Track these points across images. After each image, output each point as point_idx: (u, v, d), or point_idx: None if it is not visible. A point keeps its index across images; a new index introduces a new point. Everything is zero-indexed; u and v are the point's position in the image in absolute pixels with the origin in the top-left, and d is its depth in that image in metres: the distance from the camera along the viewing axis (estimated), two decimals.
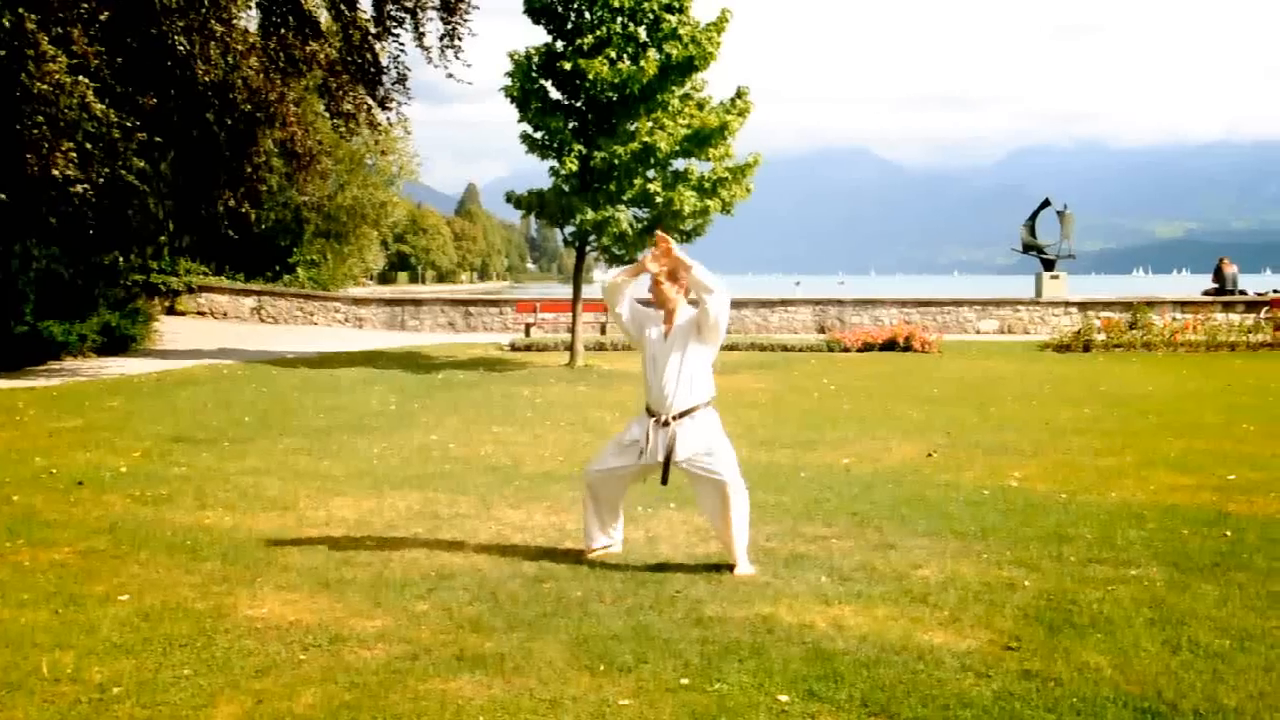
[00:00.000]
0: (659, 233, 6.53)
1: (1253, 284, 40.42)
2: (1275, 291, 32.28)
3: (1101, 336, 24.78)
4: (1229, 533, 7.22)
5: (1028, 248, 34.17)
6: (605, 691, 4.55)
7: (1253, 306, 29.19)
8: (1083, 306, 30.18)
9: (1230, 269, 32.39)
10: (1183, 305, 29.93)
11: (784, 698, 4.48)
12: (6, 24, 14.82)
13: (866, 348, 24.44)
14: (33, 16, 14.93)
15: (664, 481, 6.52)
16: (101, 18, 16.21)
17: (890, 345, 24.36)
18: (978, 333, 30.52)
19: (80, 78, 15.60)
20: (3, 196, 16.42)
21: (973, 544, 6.99)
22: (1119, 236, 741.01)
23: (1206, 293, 32.09)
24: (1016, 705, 4.40)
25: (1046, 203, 34.37)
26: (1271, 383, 17.15)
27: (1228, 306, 29.41)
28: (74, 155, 16.05)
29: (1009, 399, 15.09)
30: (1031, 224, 34.30)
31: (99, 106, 15.87)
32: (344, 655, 4.97)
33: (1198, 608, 5.65)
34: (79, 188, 16.40)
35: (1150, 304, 28.51)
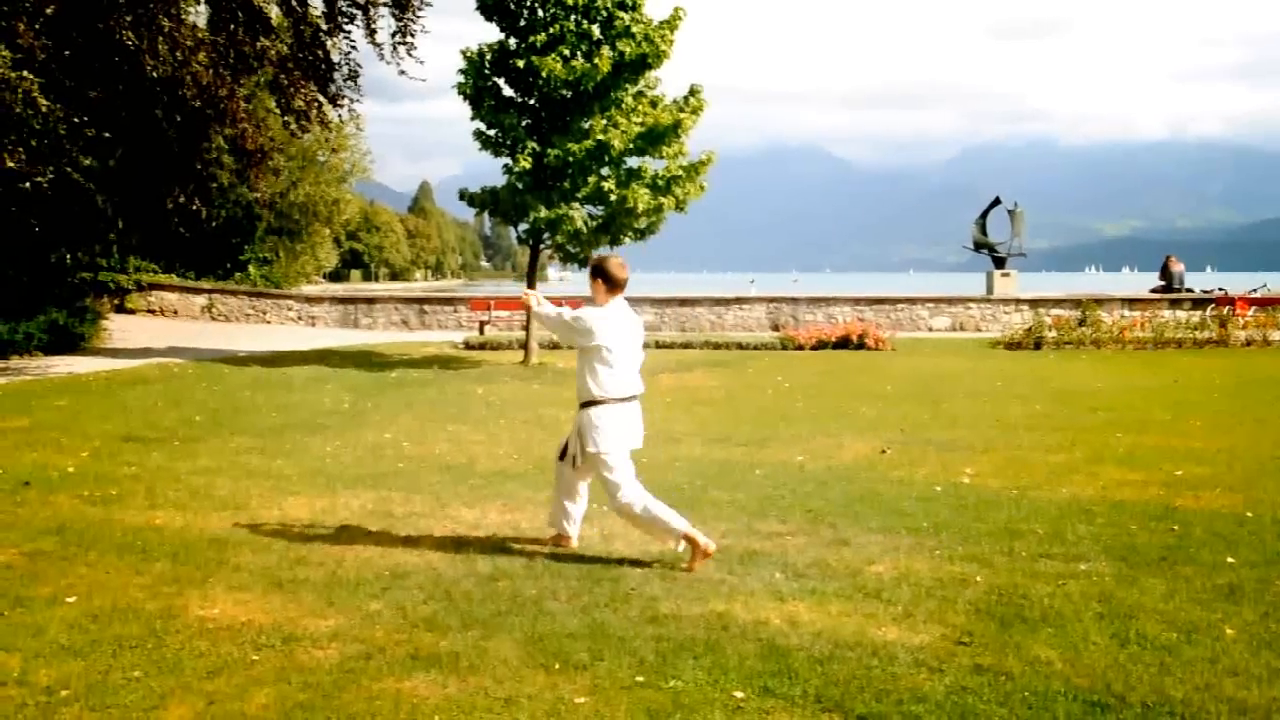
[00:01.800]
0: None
1: (1197, 282, 40.99)
2: (1221, 289, 32.76)
3: (1052, 334, 25.03)
4: (1176, 527, 7.33)
5: (979, 246, 34.44)
6: (560, 689, 4.55)
7: (1199, 304, 29.61)
8: (1033, 304, 30.49)
9: (1177, 267, 32.82)
10: (1131, 303, 30.33)
11: (739, 694, 4.50)
12: None
13: (820, 345, 24.56)
14: None
15: (560, 456, 6.88)
16: (48, 11, 15.97)
17: (844, 343, 24.49)
18: (930, 330, 30.77)
19: (25, 72, 15.36)
20: None
21: (925, 540, 7.05)
22: (1068, 234, 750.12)
23: (1154, 290, 32.51)
24: (969, 700, 4.44)
25: (997, 201, 34.65)
26: (1217, 379, 17.41)
27: (1175, 304, 29.83)
28: (20, 151, 15.80)
29: (961, 396, 15.22)
30: (982, 222, 34.57)
31: (45, 101, 15.64)
32: (297, 655, 4.94)
33: (1145, 601, 5.73)
34: (26, 184, 16.16)
35: (1099, 301, 28.86)
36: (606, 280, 6.59)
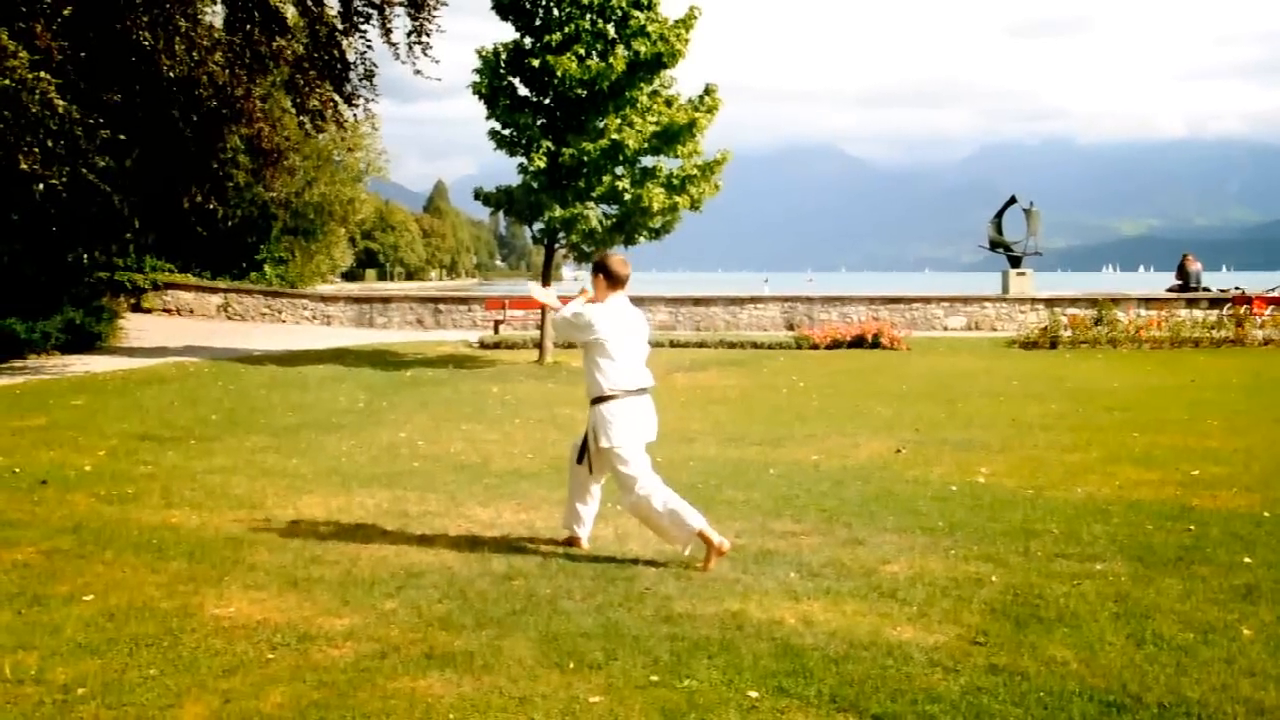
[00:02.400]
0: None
1: (1214, 281, 40.76)
2: (1238, 289, 32.57)
3: (1068, 333, 24.93)
4: (1192, 527, 7.29)
5: (994, 245, 34.32)
6: (575, 689, 4.55)
7: (1216, 303, 29.44)
8: (1049, 303, 30.35)
9: (1194, 266, 32.64)
10: (1147, 302, 30.17)
11: (753, 694, 4.49)
12: None
13: (835, 345, 24.52)
14: None
15: (578, 459, 6.88)
16: (65, 12, 16.04)
17: (859, 342, 24.44)
18: (946, 329, 30.68)
19: (42, 73, 15.43)
20: None
21: (941, 539, 7.04)
22: (1084, 234, 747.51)
23: (1171, 290, 32.35)
24: (984, 699, 4.43)
25: (1013, 200, 34.51)
26: (1234, 378, 17.34)
27: (1191, 303, 29.65)
28: (37, 152, 15.87)
29: (977, 395, 15.19)
30: (998, 221, 34.44)
31: (61, 103, 15.70)
32: (312, 654, 4.95)
33: (1162, 602, 5.71)
34: (41, 185, 16.23)
35: (1116, 301, 28.71)
36: (608, 276, 6.68)
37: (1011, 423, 12.47)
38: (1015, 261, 33.25)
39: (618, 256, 6.80)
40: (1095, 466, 9.68)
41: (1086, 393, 15.47)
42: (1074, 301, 30.08)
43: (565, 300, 6.94)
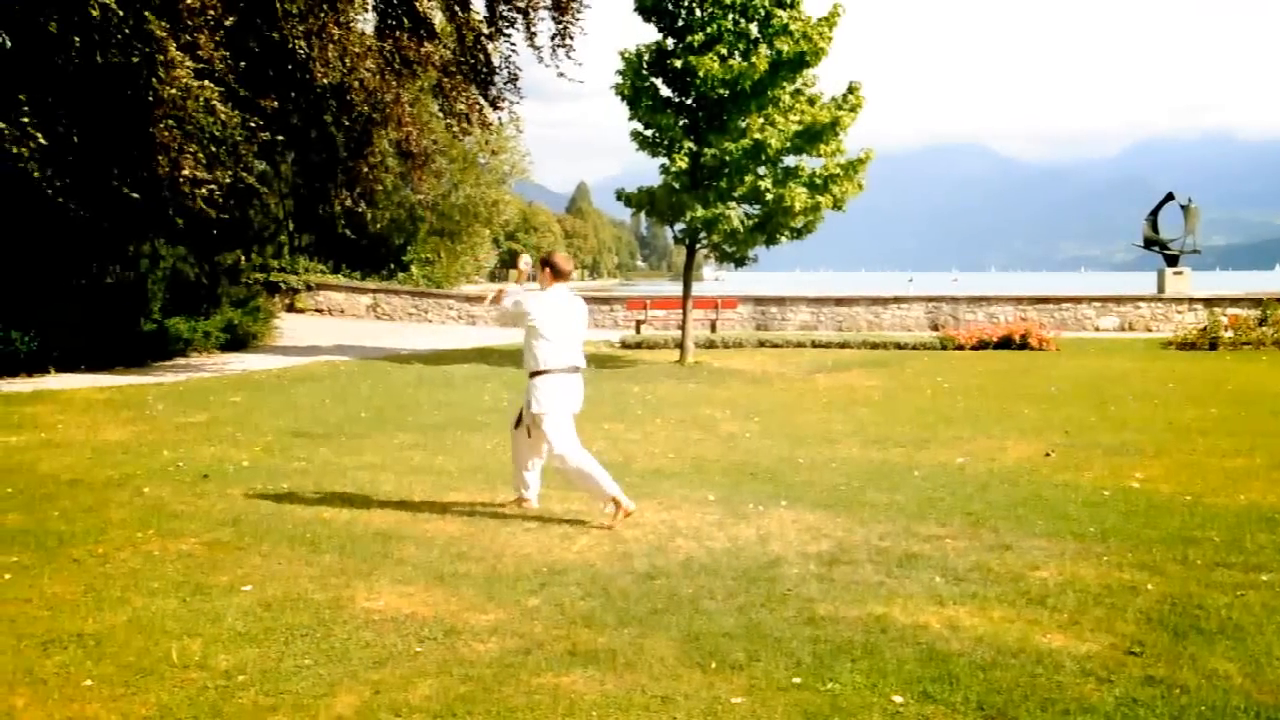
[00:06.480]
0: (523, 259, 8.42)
1: None
2: None
3: (1229, 334, 23.98)
4: None
5: (1150, 243, 33.25)
6: (717, 689, 4.54)
7: None
8: (1208, 303, 29.25)
9: None
10: None
11: (898, 699, 4.43)
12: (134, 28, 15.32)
13: (981, 345, 24.01)
14: (162, 23, 15.41)
15: (515, 425, 8.10)
16: (226, 23, 16.66)
17: (1006, 343, 23.90)
18: (1097, 330, 29.80)
19: (205, 82, 16.06)
20: (135, 196, 16.94)
21: (1092, 546, 6.83)
22: (1247, 230, 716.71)
23: None
24: (1140, 712, 4.29)
25: (1170, 197, 33.40)
26: None
27: None
28: (201, 157, 16.52)
29: (1130, 398, 14.70)
30: (1154, 219, 33.36)
31: (223, 110, 16.32)
32: (458, 648, 5.04)
33: None
34: (205, 189, 16.89)
35: None
36: (554, 270, 7.81)
37: (1168, 426, 12.04)
38: (1172, 260, 32.15)
39: (561, 254, 8.04)
40: (1259, 473, 9.29)
41: (1249, 396, 14.85)
42: (1235, 301, 28.93)
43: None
